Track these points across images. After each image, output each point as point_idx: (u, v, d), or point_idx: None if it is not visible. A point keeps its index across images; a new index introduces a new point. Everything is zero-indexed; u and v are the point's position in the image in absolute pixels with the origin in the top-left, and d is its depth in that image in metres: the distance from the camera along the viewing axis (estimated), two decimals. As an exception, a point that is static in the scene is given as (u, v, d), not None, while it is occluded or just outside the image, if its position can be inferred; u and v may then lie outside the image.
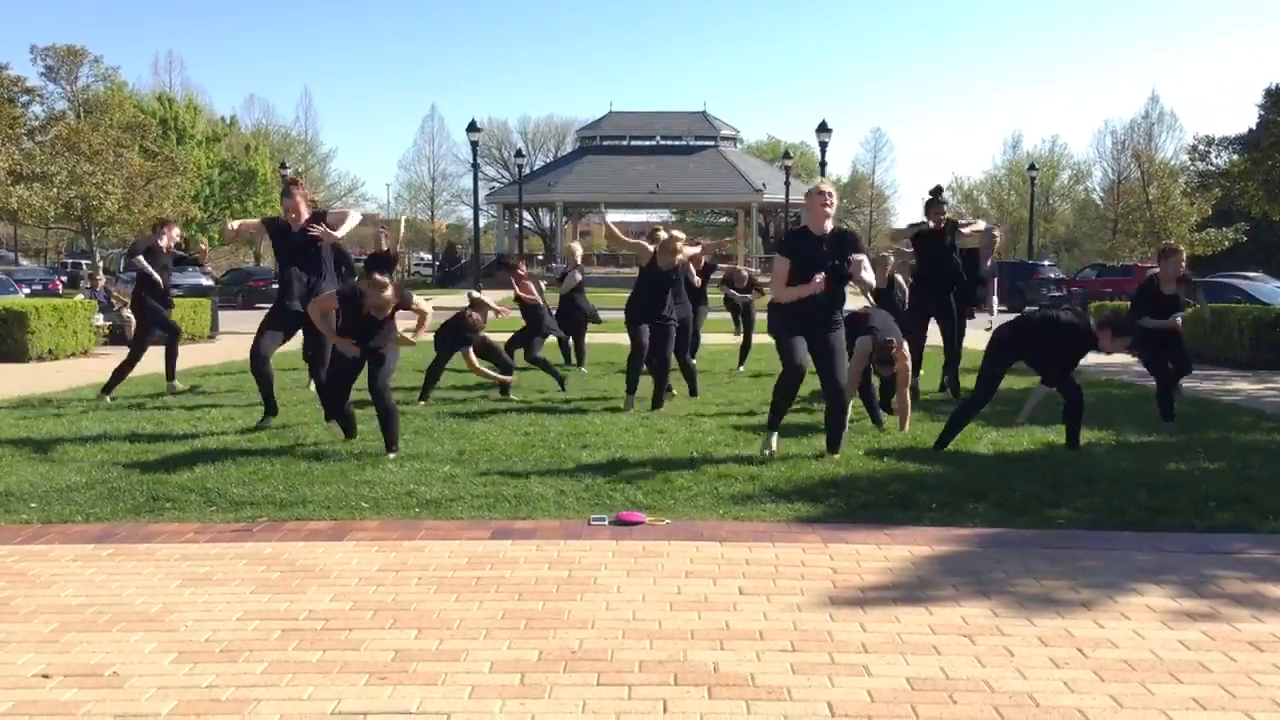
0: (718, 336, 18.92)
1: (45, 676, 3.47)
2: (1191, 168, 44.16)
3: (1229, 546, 5.03)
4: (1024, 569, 4.64)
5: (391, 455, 6.98)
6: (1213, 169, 39.35)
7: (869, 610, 4.11)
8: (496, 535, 5.16)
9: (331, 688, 3.37)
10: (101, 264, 32.24)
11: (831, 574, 4.57)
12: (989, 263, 11.28)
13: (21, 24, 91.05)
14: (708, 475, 6.41)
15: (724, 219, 78.96)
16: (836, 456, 6.90)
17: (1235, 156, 36.62)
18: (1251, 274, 26.54)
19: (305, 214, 8.19)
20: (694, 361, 10.65)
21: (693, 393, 10.23)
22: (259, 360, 8.10)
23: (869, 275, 7.20)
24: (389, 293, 7.19)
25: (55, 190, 31.97)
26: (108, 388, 10.14)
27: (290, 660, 3.61)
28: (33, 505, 5.73)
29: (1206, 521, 5.45)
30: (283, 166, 47.78)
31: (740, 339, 13.32)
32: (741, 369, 12.94)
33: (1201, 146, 41.59)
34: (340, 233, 8.12)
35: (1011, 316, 8.78)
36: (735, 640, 3.79)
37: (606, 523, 5.38)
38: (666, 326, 9.39)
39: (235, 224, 8.95)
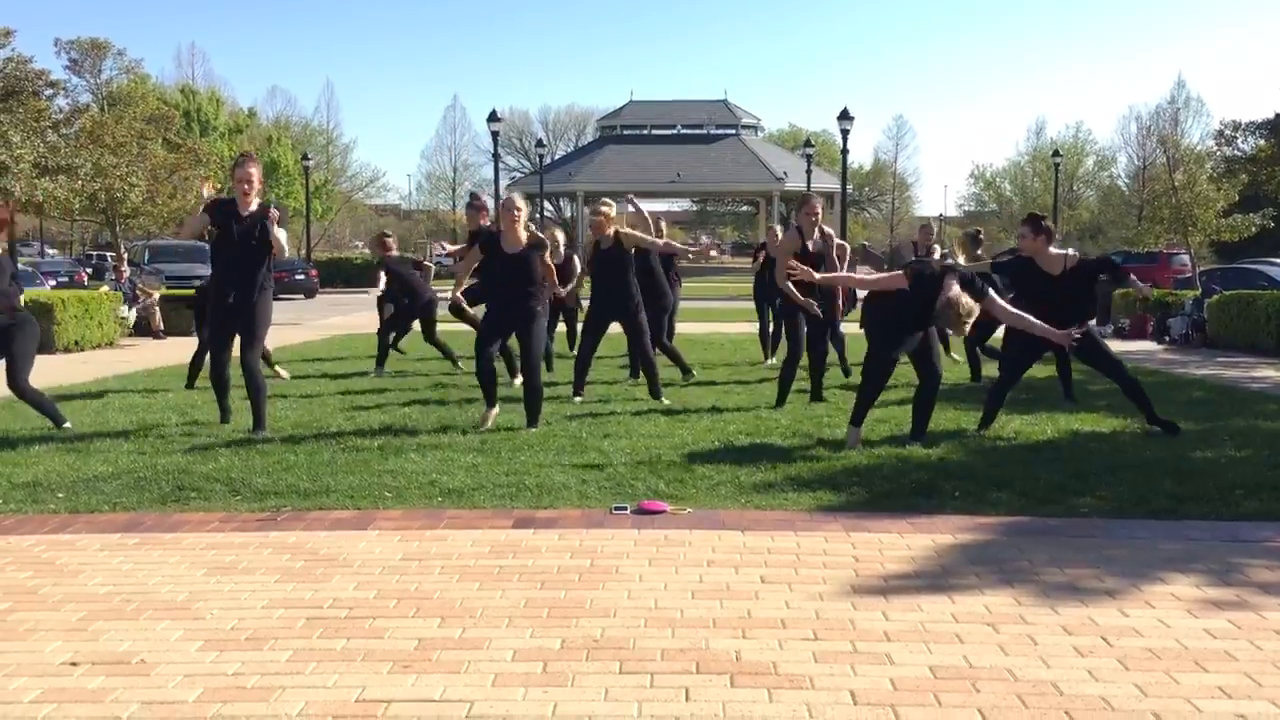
0: (738, 326, 18.91)
1: (73, 664, 3.50)
2: (1218, 153, 43.70)
3: (1256, 535, 4.99)
4: (1048, 557, 4.62)
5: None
6: (1239, 154, 38.94)
7: (891, 599, 4.10)
8: (519, 524, 5.18)
9: (355, 675, 3.39)
10: (126, 256, 32.46)
11: (854, 563, 4.57)
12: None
13: (46, 17, 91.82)
14: (729, 464, 6.40)
15: (745, 208, 78.82)
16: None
17: (1262, 141, 36.25)
18: (1278, 260, 26.27)
19: (255, 198, 7.60)
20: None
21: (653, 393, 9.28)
22: (221, 371, 7.82)
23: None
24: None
25: (80, 182, 32.18)
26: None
27: (314, 648, 3.63)
28: (60, 495, 5.79)
29: (1233, 510, 5.40)
30: (305, 158, 47.98)
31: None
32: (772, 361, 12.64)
33: (1228, 131, 41.15)
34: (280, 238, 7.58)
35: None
36: (757, 629, 3.78)
37: (628, 512, 5.38)
38: (636, 317, 9.19)
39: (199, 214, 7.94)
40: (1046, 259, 7.61)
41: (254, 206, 7.64)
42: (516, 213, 7.69)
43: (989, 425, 7.52)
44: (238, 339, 7.70)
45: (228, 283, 7.63)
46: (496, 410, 7.87)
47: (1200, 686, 3.28)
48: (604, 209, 9.38)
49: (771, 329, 12.65)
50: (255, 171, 7.68)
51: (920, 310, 6.86)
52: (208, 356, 8.03)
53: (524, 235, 7.69)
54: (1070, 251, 8.06)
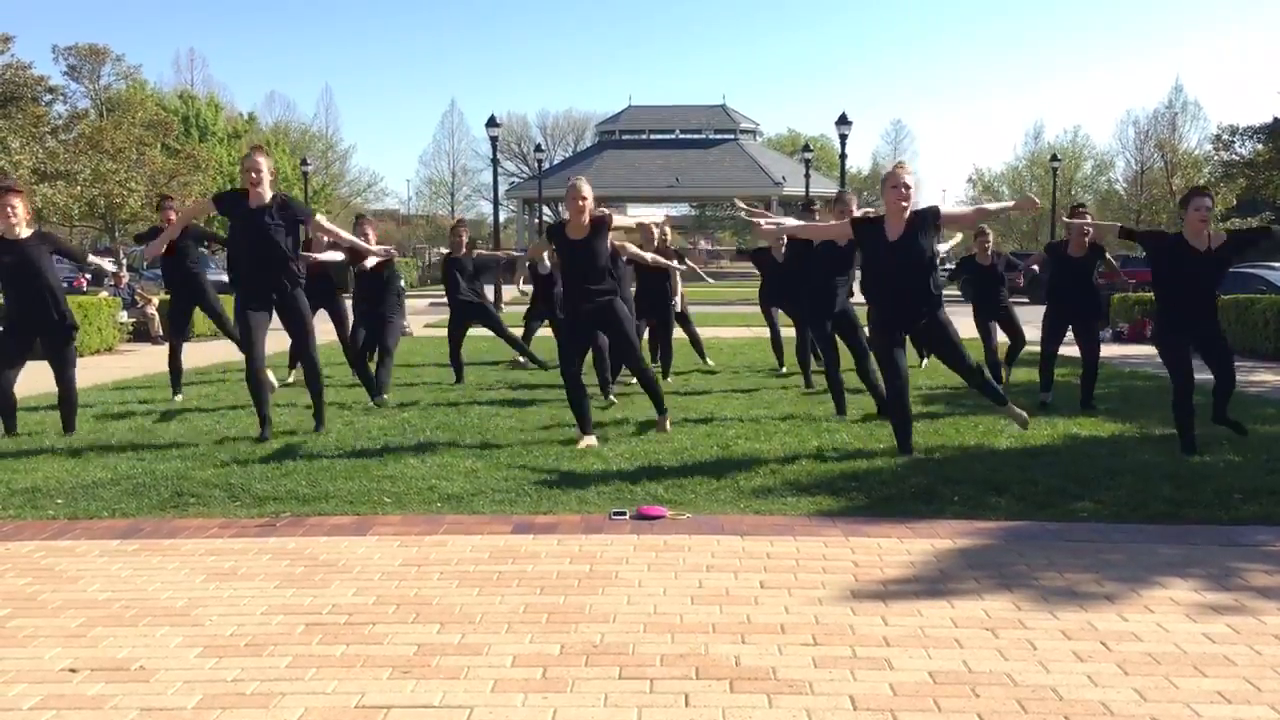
0: (738, 331, 18.91)
1: (73, 670, 3.50)
2: (1215, 157, 43.76)
3: (1254, 539, 4.99)
4: (1047, 562, 4.62)
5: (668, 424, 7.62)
6: (1237, 159, 39.02)
7: (891, 604, 4.11)
8: (518, 530, 5.18)
9: (355, 681, 3.39)
10: (125, 261, 32.44)
11: (853, 567, 4.57)
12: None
13: (44, 23, 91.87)
14: (728, 469, 6.40)
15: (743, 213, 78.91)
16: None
17: (1260, 146, 36.30)
18: (1276, 264, 26.29)
19: (269, 190, 7.34)
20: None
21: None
22: (256, 371, 7.51)
23: None
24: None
25: (79, 188, 32.23)
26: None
27: (314, 654, 3.63)
28: (59, 501, 5.79)
29: (1232, 514, 5.41)
30: (303, 163, 47.98)
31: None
32: (784, 370, 11.89)
33: (1225, 136, 41.24)
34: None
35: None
36: (757, 634, 3.79)
37: (627, 517, 5.38)
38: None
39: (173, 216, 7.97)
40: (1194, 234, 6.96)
41: (267, 198, 7.36)
42: None
43: (1194, 447, 6.86)
44: (293, 337, 7.80)
45: (255, 277, 7.43)
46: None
47: (1199, 691, 3.28)
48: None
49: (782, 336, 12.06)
50: (264, 161, 7.41)
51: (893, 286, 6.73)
52: (247, 361, 7.57)
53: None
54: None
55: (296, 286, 7.58)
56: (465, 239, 11.27)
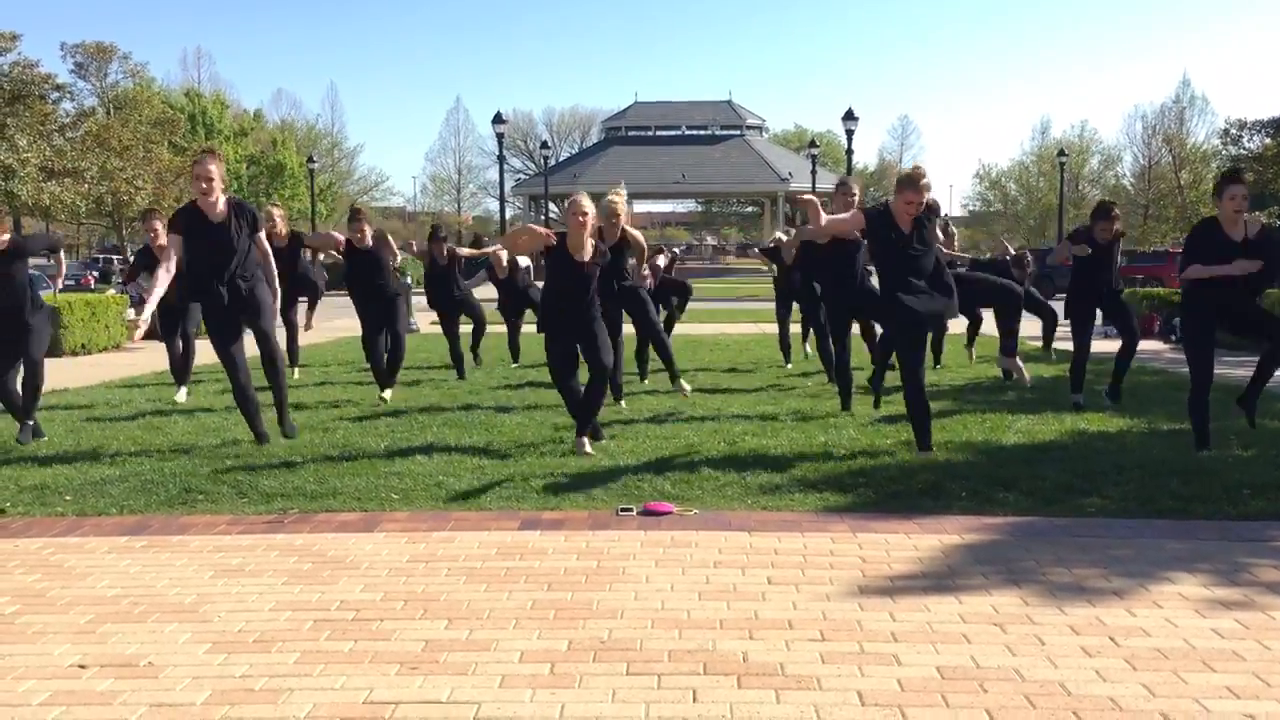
0: (743, 327, 18.89)
1: (82, 667, 3.51)
2: (1223, 152, 43.63)
3: (1263, 534, 4.98)
4: (1055, 557, 4.61)
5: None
6: (1245, 153, 38.89)
7: (898, 599, 4.10)
8: (525, 526, 5.18)
9: (363, 677, 3.39)
10: (133, 259, 32.58)
11: (860, 563, 4.56)
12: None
13: (52, 21, 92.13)
14: (735, 465, 6.40)
15: (750, 208, 78.87)
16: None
17: (1268, 140, 36.18)
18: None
19: (221, 196, 6.79)
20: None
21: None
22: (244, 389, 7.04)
23: None
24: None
25: (86, 186, 32.33)
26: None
27: (322, 650, 3.64)
28: (67, 498, 5.80)
29: (1240, 509, 5.39)
30: (310, 160, 48.08)
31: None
32: (789, 366, 11.99)
33: (1233, 130, 41.11)
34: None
35: None
36: (764, 630, 3.79)
37: (634, 513, 5.38)
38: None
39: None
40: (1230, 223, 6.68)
41: (222, 205, 6.83)
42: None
43: (1208, 443, 6.77)
44: (249, 337, 7.06)
45: (214, 288, 6.85)
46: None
47: (1208, 686, 3.27)
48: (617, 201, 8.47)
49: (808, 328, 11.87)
50: (215, 168, 6.79)
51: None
52: (230, 378, 7.08)
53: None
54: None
55: (260, 282, 7.09)
56: (444, 249, 11.33)
